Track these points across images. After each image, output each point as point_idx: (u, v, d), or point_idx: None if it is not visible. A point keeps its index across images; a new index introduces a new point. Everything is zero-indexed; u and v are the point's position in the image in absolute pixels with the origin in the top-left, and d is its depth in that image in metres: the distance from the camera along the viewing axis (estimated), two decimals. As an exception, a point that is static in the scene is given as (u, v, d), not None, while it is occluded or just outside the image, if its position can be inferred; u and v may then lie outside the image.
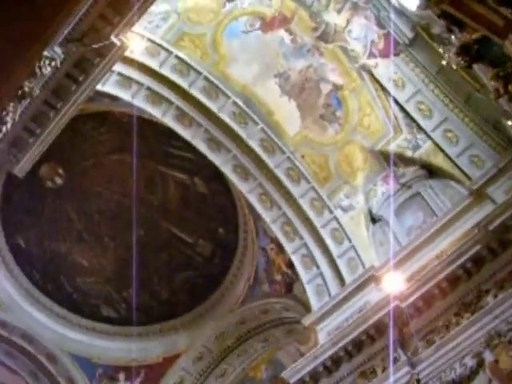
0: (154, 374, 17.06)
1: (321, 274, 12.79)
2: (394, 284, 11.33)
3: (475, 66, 8.44)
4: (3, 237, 17.01)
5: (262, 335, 16.30)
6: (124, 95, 12.78)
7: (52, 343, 17.00)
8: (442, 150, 11.47)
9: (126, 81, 12.54)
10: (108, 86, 12.41)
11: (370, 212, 12.48)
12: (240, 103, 12.77)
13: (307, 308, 13.07)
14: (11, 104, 9.09)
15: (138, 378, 17.07)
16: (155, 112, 13.11)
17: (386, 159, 12.17)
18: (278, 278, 14.74)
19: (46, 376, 17.15)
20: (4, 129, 9.44)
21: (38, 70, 8.84)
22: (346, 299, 12.19)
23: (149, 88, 12.76)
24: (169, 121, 13.21)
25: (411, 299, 11.10)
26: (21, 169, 11.68)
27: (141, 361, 17.25)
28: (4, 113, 9.07)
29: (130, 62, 12.18)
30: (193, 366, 16.82)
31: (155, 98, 12.93)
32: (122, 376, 17.04)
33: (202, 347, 16.74)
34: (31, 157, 11.44)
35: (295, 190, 12.91)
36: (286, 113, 12.76)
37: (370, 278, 11.94)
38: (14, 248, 17.26)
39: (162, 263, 17.66)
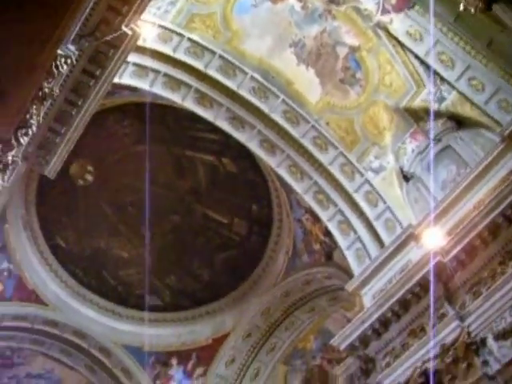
0: (206, 356, 17.32)
1: (359, 239, 12.74)
2: (434, 240, 11.21)
3: (495, 7, 8.20)
4: (43, 238, 17.32)
5: (307, 306, 16.38)
6: (142, 85, 12.76)
7: (103, 337, 17.38)
8: (469, 99, 11.20)
9: (142, 70, 12.52)
10: (125, 78, 12.41)
11: (402, 171, 12.34)
12: (258, 77, 12.65)
13: (349, 274, 13.06)
14: (34, 106, 9.16)
15: (191, 361, 17.36)
16: (175, 97, 13.07)
17: (411, 115, 12.00)
18: (317, 247, 14.74)
19: (101, 369, 17.59)
20: (30, 132, 9.54)
21: (54, 70, 8.85)
22: (386, 261, 12.13)
23: (166, 74, 12.71)
24: (189, 104, 13.16)
25: (453, 253, 10.98)
26: (51, 170, 11.81)
27: (191, 344, 17.54)
28: (28, 116, 9.15)
29: (144, 51, 12.12)
30: (242, 343, 17.02)
31: (173, 83, 12.88)
32: (174, 361, 17.35)
33: (249, 324, 16.92)
34: (60, 157, 11.55)
35: (324, 158, 12.81)
36: (306, 81, 12.62)
37: (409, 237, 11.85)
38: (54, 248, 17.60)
39: (200, 246, 17.81)
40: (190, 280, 18.06)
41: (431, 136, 11.65)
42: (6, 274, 16.32)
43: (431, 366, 10.59)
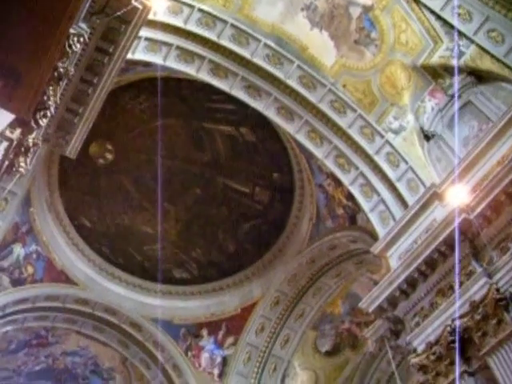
0: (235, 325, 17.53)
1: (382, 201, 12.66)
2: (459, 197, 11.08)
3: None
4: (68, 219, 17.51)
5: (333, 271, 16.43)
6: (155, 59, 12.70)
7: (134, 312, 17.65)
8: (488, 52, 10.94)
9: (155, 44, 12.43)
10: (138, 54, 12.35)
11: (422, 130, 12.18)
12: (272, 44, 12.51)
13: (374, 236, 13.03)
14: (50, 88, 9.17)
15: (220, 331, 17.58)
16: (189, 70, 12.99)
17: (429, 73, 11.80)
18: (340, 211, 14.70)
19: (134, 344, 17.91)
20: (48, 113, 9.57)
21: (68, 49, 8.83)
22: (411, 221, 12.05)
23: (178, 47, 12.62)
24: (204, 76, 13.08)
25: (478, 210, 10.84)
26: (72, 150, 11.84)
27: (220, 315, 17.75)
28: (45, 97, 9.17)
29: (155, 25, 12.02)
30: (270, 311, 17.17)
31: (186, 55, 12.79)
32: (204, 332, 17.60)
33: (276, 292, 17.04)
34: (79, 136, 11.56)
35: (342, 121, 12.70)
36: (320, 45, 12.45)
37: (432, 196, 11.74)
38: (80, 228, 17.82)
39: (223, 218, 17.90)
40: (215, 252, 18.19)
41: (456, 88, 11.40)
42: (34, 256, 16.57)
43: (460, 323, 10.56)
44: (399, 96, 12.25)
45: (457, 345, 10.45)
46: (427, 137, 12.23)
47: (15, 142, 9.34)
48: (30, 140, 9.82)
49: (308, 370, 17.26)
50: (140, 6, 9.94)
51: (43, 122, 9.53)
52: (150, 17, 11.16)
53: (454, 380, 10.43)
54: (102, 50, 10.28)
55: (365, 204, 12.98)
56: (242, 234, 17.88)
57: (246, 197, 17.55)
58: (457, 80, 11.26)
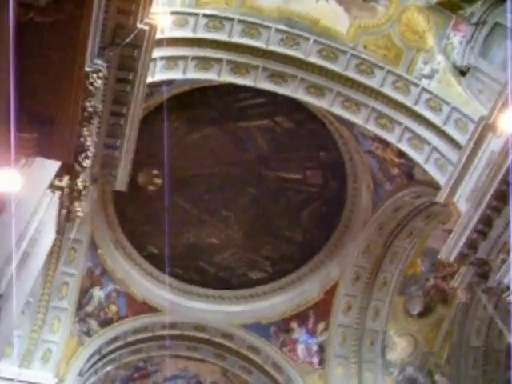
0: (322, 311, 17.50)
1: (434, 149, 12.34)
2: (512, 122, 10.69)
3: None
4: (136, 252, 17.84)
5: (404, 232, 16.19)
6: (176, 75, 12.78)
7: (221, 323, 17.82)
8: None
9: (171, 61, 12.51)
10: (158, 75, 12.45)
11: (455, 66, 11.85)
12: (283, 27, 12.40)
13: (436, 186, 12.73)
14: (84, 129, 9.36)
15: (310, 320, 17.57)
16: (210, 75, 13.02)
17: (447, 7, 11.46)
18: (395, 171, 14.49)
19: (229, 354, 18.08)
20: (89, 153, 9.77)
21: (90, 87, 8.98)
22: (469, 160, 11.67)
23: (194, 57, 12.65)
24: (226, 77, 13.09)
25: (535, 129, 10.46)
26: (120, 183, 12.08)
27: (304, 304, 17.74)
28: (82, 139, 9.36)
29: (166, 42, 12.06)
30: (353, 287, 17.07)
31: (204, 63, 12.82)
32: (294, 324, 17.62)
33: (354, 268, 16.93)
34: (125, 168, 11.78)
35: (373, 82, 12.46)
36: (330, 14, 12.26)
37: (484, 129, 11.33)
38: (149, 257, 18.12)
39: (283, 209, 17.90)
40: (284, 244, 18.21)
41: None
42: (114, 294, 16.98)
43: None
44: (423, 40, 11.96)
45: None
46: (462, 72, 11.87)
47: (66, 189, 9.58)
48: (80, 183, 10.05)
49: (405, 336, 17.05)
50: (146, 27, 10.05)
51: (86, 164, 9.73)
52: (159, 36, 11.26)
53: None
54: (122, 79, 10.43)
55: (418, 157, 12.72)
56: (306, 221, 17.85)
57: (300, 183, 17.51)
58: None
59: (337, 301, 17.20)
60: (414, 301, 17.00)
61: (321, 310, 17.44)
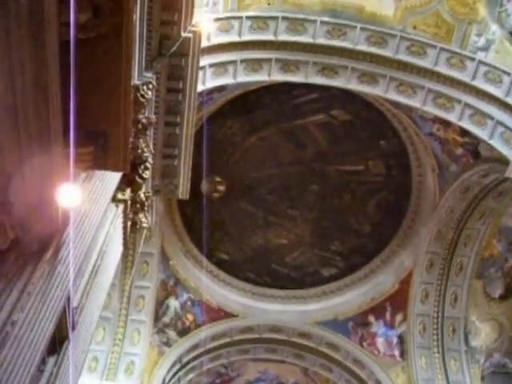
0: (399, 301, 17.18)
1: (498, 122, 11.88)
2: None
3: None
4: (207, 260, 18.04)
5: (475, 213, 15.65)
6: (226, 80, 12.84)
7: (297, 323, 17.80)
8: None
9: (221, 67, 12.58)
10: (209, 82, 12.53)
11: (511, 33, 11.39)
12: (328, 19, 12.26)
13: (504, 162, 12.24)
14: (141, 141, 9.52)
15: (387, 312, 17.27)
16: (261, 77, 13.01)
17: (497, -28, 11.05)
18: (460, 151, 14.05)
19: (308, 352, 18.04)
20: (148, 165, 9.93)
21: (142, 100, 9.13)
22: (537, 128, 11.24)
23: (243, 60, 12.68)
24: (277, 76, 13.05)
25: None
26: (183, 192, 12.19)
27: (380, 296, 17.48)
28: (139, 151, 9.52)
29: (213, 49, 12.16)
30: (428, 275, 16.66)
31: (253, 65, 12.83)
32: (371, 318, 17.36)
33: (427, 254, 16.52)
34: (185, 176, 11.89)
35: (426, 62, 12.11)
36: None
37: (550, 94, 10.89)
38: (221, 264, 18.31)
39: (349, 202, 17.74)
40: (353, 238, 18.01)
41: None
42: (189, 303, 17.23)
43: None
44: (474, 12, 11.55)
45: None
46: (520, 38, 11.40)
47: (129, 202, 9.76)
48: (142, 195, 10.21)
49: (489, 321, 16.47)
50: (190, 35, 10.13)
51: (146, 175, 9.89)
52: (206, 43, 11.35)
53: None
54: (173, 89, 10.54)
55: (482, 133, 12.27)
56: (373, 211, 17.60)
57: (363, 174, 17.28)
58: None
59: (413, 290, 16.83)
60: (493, 283, 16.41)
61: (397, 300, 17.11)
